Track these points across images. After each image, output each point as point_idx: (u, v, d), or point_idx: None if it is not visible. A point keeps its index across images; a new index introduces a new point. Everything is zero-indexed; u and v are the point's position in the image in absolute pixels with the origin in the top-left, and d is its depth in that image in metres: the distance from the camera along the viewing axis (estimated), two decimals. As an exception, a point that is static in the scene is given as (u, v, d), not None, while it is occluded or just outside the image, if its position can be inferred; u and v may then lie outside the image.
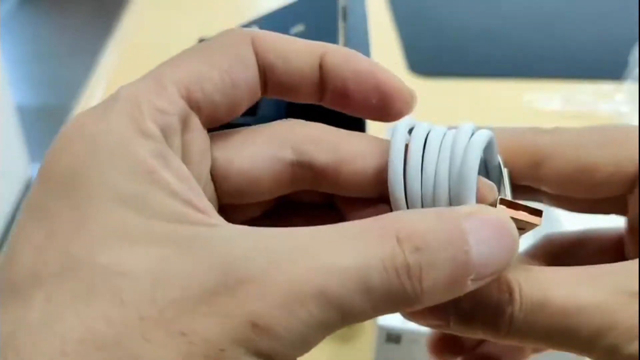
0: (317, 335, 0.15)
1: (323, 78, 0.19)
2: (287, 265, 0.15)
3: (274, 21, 0.49)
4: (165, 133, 0.16)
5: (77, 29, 2.59)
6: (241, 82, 0.18)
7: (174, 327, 0.14)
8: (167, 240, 0.15)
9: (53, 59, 2.41)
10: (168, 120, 0.17)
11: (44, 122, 1.98)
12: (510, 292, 0.17)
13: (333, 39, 0.40)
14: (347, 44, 0.40)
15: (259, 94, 0.19)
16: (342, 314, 0.15)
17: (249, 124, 0.46)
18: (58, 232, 0.15)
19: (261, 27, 0.50)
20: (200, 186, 0.17)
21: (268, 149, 0.19)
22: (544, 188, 0.21)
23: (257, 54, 0.19)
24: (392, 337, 0.39)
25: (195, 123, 0.18)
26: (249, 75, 0.19)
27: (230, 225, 0.16)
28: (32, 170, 1.70)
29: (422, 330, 0.39)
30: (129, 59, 0.80)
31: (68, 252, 0.15)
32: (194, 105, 0.18)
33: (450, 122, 0.72)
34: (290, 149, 0.19)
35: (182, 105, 0.17)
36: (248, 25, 0.51)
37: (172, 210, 0.15)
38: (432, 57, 0.81)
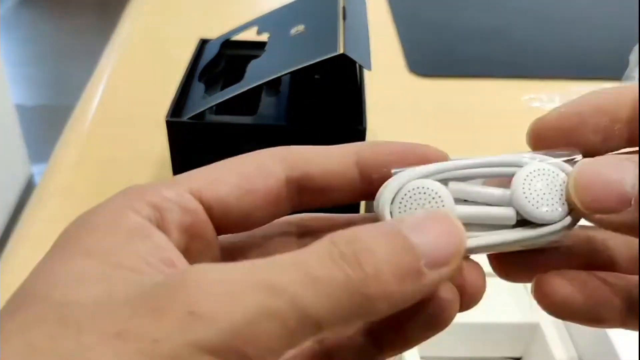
0: (269, 326, 0.15)
1: (365, 171, 0.21)
2: (228, 267, 0.16)
3: (274, 21, 0.49)
4: (161, 213, 0.19)
5: (77, 29, 2.59)
6: (258, 189, 0.20)
7: (108, 331, 0.15)
8: (120, 280, 0.16)
9: (53, 59, 2.41)
10: (166, 205, 0.19)
11: (44, 122, 1.98)
12: None
13: (333, 39, 0.40)
14: (347, 44, 0.40)
15: (282, 202, 0.21)
16: (294, 306, 0.15)
17: (249, 123, 0.46)
18: (33, 281, 0.17)
19: (261, 27, 0.50)
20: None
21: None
22: None
23: (288, 167, 0.20)
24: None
25: (203, 216, 0.20)
26: (268, 184, 0.20)
27: None
28: (33, 170, 1.70)
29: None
30: (129, 59, 0.80)
31: (30, 292, 0.17)
32: (205, 203, 0.19)
33: (449, 121, 0.72)
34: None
35: (187, 197, 0.19)
36: (248, 25, 0.51)
37: (134, 265, 0.17)
38: (432, 58, 0.81)
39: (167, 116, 0.42)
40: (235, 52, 0.52)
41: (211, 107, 0.42)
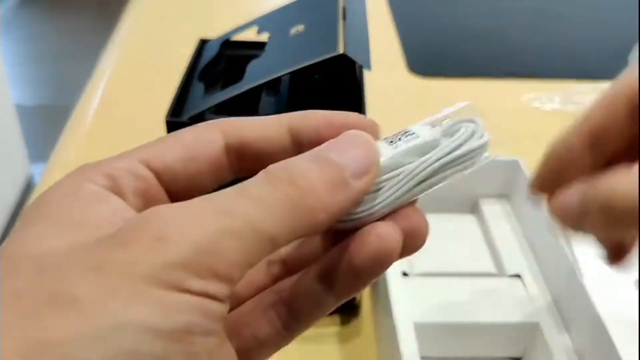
0: (230, 243, 0.17)
1: (297, 137, 0.22)
2: (184, 202, 0.18)
3: (274, 21, 0.49)
4: (115, 181, 0.20)
5: (78, 28, 2.59)
6: (201, 156, 0.22)
7: (87, 266, 0.17)
8: (88, 232, 0.18)
9: (53, 59, 2.41)
10: (119, 174, 0.20)
11: (44, 122, 1.98)
12: None
13: (333, 39, 0.40)
14: (347, 44, 0.40)
15: (224, 169, 0.22)
16: (248, 224, 0.18)
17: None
18: (2, 247, 0.18)
19: (261, 27, 0.50)
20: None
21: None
22: None
23: (226, 135, 0.22)
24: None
25: (154, 182, 0.21)
26: (210, 151, 0.22)
27: None
28: (32, 170, 1.70)
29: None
30: (129, 58, 0.80)
31: (1, 255, 0.18)
32: (154, 171, 0.21)
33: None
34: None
35: (138, 165, 0.21)
36: (248, 25, 0.51)
37: (98, 223, 0.19)
38: (431, 57, 0.81)
39: (167, 116, 0.42)
40: (235, 52, 0.52)
41: (211, 107, 0.42)
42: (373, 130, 0.22)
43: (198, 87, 0.46)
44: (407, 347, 0.36)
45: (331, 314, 0.45)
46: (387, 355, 0.40)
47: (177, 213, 0.18)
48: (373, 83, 0.51)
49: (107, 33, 0.89)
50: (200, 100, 0.44)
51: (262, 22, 0.50)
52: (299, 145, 0.22)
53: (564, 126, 0.30)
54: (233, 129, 0.22)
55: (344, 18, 0.43)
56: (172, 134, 0.22)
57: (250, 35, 0.50)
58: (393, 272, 0.42)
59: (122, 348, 0.16)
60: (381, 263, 0.20)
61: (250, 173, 0.21)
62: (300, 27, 0.44)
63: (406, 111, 0.70)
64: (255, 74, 0.42)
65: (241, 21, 0.52)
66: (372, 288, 0.47)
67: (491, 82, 0.75)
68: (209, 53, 0.51)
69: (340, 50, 0.39)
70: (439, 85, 0.75)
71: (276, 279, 0.23)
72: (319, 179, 0.19)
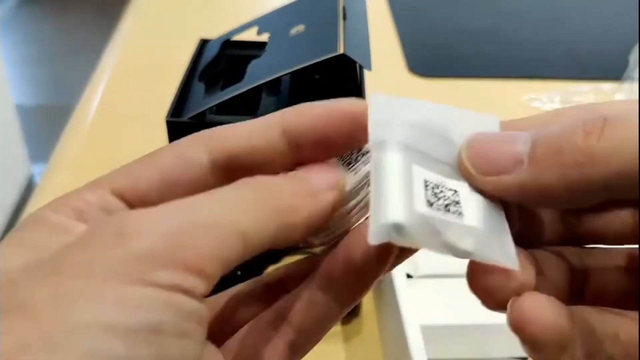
0: (199, 233, 0.16)
1: (293, 139, 0.20)
2: (146, 208, 0.17)
3: (274, 21, 0.49)
4: (81, 215, 0.19)
5: (78, 28, 2.59)
6: (181, 181, 0.20)
7: (44, 273, 0.16)
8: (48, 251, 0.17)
9: (53, 59, 2.41)
10: (89, 209, 0.19)
11: (44, 122, 1.98)
12: None
13: (333, 39, 0.40)
14: (347, 44, 0.40)
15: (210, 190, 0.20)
16: (216, 216, 0.17)
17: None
18: None
19: (261, 27, 0.50)
20: None
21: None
22: None
23: (211, 152, 0.20)
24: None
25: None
26: (189, 174, 0.20)
27: None
28: (32, 170, 1.70)
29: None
30: (130, 59, 0.80)
31: None
32: (127, 202, 0.19)
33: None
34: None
35: (109, 199, 0.19)
36: (248, 25, 0.51)
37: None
38: (432, 57, 0.81)
39: (167, 116, 0.42)
40: (235, 52, 0.52)
41: (211, 107, 0.42)
42: (365, 115, 0.20)
43: (198, 87, 0.46)
44: (415, 349, 0.36)
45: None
46: (395, 358, 0.40)
47: (140, 211, 0.16)
48: (373, 83, 0.51)
49: (107, 33, 0.89)
50: (201, 100, 0.44)
51: (263, 22, 0.50)
52: (296, 147, 0.20)
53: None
54: (218, 142, 0.20)
55: (344, 18, 0.43)
56: (151, 154, 0.20)
57: (250, 35, 0.50)
58: (398, 275, 0.42)
59: (80, 352, 0.14)
60: (384, 255, 0.19)
61: None
62: (300, 27, 0.44)
63: (406, 111, 0.70)
64: (256, 74, 0.42)
65: (241, 21, 0.52)
66: (373, 289, 0.47)
67: (491, 82, 0.75)
68: (210, 53, 0.51)
69: (340, 50, 0.39)
70: (439, 85, 0.75)
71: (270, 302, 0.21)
72: (288, 186, 0.19)
